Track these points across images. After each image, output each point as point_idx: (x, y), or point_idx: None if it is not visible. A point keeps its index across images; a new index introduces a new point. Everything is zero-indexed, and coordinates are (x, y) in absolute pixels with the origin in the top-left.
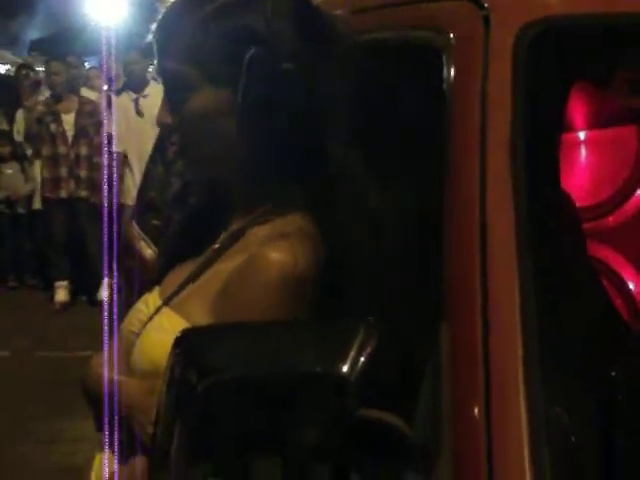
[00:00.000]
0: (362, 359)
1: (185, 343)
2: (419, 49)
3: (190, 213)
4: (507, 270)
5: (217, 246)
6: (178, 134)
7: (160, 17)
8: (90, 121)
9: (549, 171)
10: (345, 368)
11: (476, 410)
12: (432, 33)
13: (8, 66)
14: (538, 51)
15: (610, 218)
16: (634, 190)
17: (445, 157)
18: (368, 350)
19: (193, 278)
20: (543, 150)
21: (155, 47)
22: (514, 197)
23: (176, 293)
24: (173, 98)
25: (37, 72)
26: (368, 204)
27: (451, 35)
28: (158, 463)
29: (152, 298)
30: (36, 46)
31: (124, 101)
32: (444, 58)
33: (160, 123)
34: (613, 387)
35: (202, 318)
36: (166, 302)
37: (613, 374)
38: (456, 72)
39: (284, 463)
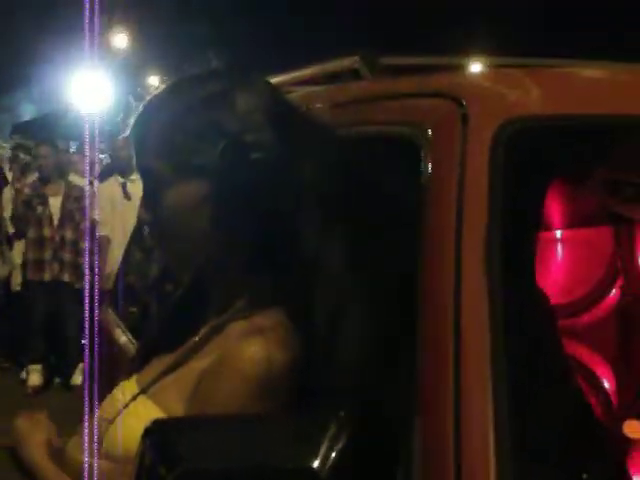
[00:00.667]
0: (333, 454)
1: (155, 433)
2: (398, 144)
3: (171, 302)
4: (480, 367)
5: (196, 339)
6: (154, 229)
7: (135, 115)
8: (77, 206)
9: (525, 268)
10: (316, 463)
11: None
12: (411, 129)
13: None
14: (515, 149)
15: (585, 316)
16: (609, 290)
17: (420, 253)
18: (340, 445)
19: (171, 369)
20: (519, 248)
21: (132, 145)
22: (489, 295)
23: (153, 382)
24: (150, 194)
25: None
26: (342, 297)
27: (429, 131)
28: None
29: (129, 385)
30: (18, 130)
31: (111, 185)
32: (422, 154)
33: (140, 219)
34: None
35: (177, 410)
36: (143, 390)
37: (585, 477)
38: (434, 168)
39: None
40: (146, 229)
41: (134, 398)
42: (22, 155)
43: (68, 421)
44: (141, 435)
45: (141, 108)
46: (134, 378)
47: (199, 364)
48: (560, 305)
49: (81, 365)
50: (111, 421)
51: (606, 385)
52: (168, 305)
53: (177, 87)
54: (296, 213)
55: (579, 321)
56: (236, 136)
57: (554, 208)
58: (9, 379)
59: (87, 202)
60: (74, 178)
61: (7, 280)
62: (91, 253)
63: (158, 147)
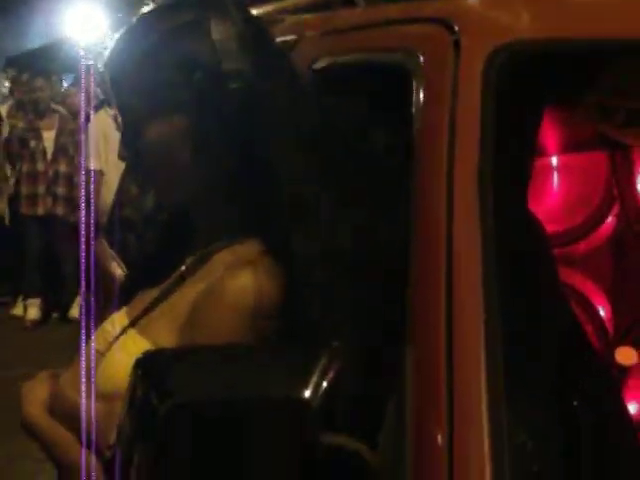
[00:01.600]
0: (325, 384)
1: (146, 364)
2: (389, 71)
3: (158, 235)
4: (472, 295)
5: (183, 269)
6: (136, 164)
7: (110, 49)
8: (71, 139)
9: (517, 196)
10: (307, 393)
11: (439, 437)
12: (402, 56)
13: None
14: (508, 75)
15: (581, 244)
16: (605, 217)
17: (412, 180)
18: (331, 375)
19: (160, 301)
20: (511, 175)
21: (108, 79)
22: (481, 221)
23: (142, 315)
24: (129, 130)
25: (8, 88)
26: (328, 229)
27: (421, 58)
28: None
29: (119, 318)
30: (12, 62)
31: (102, 117)
32: (414, 81)
33: (121, 154)
34: (576, 416)
35: (167, 342)
36: (132, 323)
37: (575, 403)
38: (425, 95)
39: None
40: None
41: (124, 332)
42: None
43: (67, 355)
44: (132, 366)
45: (114, 42)
46: (123, 310)
47: (187, 295)
48: (556, 233)
49: (79, 298)
50: (102, 353)
51: (601, 313)
52: (155, 238)
53: (149, 18)
54: (274, 142)
55: (575, 249)
56: (212, 66)
57: (548, 134)
58: (7, 314)
59: (82, 135)
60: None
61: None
62: (87, 187)
63: (134, 83)
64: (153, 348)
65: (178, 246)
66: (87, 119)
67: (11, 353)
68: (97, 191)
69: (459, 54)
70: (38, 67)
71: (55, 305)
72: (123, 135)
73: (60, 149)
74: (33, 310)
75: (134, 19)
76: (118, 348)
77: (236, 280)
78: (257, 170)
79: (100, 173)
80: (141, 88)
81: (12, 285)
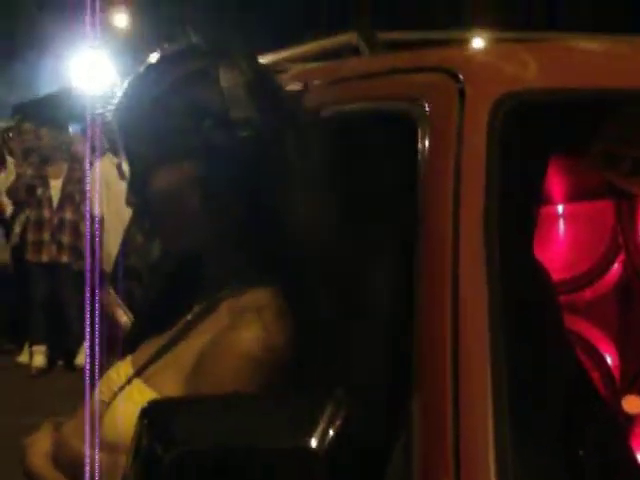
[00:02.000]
0: (331, 432)
1: (152, 414)
2: (395, 120)
3: (164, 284)
4: (478, 342)
5: (189, 318)
6: (144, 212)
7: (118, 97)
8: (78, 187)
9: (523, 244)
10: (314, 442)
11: None
12: (408, 104)
13: None
14: (513, 124)
15: (587, 292)
16: (611, 264)
17: (419, 228)
18: (337, 423)
19: (165, 350)
20: (517, 223)
21: (116, 127)
22: (487, 269)
23: (148, 364)
24: (137, 178)
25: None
26: (337, 279)
27: (426, 106)
28: None
29: (124, 367)
30: (19, 110)
31: (106, 165)
32: (419, 129)
33: (128, 202)
34: (582, 464)
35: (173, 392)
36: (138, 373)
37: (581, 452)
38: (431, 143)
39: None
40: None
41: (129, 382)
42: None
43: (72, 402)
44: (137, 415)
45: (122, 90)
46: (129, 359)
47: (194, 344)
48: (562, 280)
49: (84, 346)
50: (107, 402)
51: (608, 360)
52: (161, 286)
53: (158, 66)
54: (283, 189)
55: (581, 297)
56: (221, 114)
57: (554, 183)
58: (13, 362)
59: (87, 184)
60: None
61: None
62: (91, 235)
63: (142, 131)
64: (158, 398)
65: (184, 294)
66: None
67: (17, 401)
68: (100, 239)
69: (464, 103)
70: (44, 115)
71: (61, 352)
72: (131, 183)
73: (66, 197)
74: (39, 357)
75: (143, 66)
76: (123, 398)
77: (242, 330)
78: (264, 217)
79: (101, 220)
80: (150, 135)
81: (18, 333)
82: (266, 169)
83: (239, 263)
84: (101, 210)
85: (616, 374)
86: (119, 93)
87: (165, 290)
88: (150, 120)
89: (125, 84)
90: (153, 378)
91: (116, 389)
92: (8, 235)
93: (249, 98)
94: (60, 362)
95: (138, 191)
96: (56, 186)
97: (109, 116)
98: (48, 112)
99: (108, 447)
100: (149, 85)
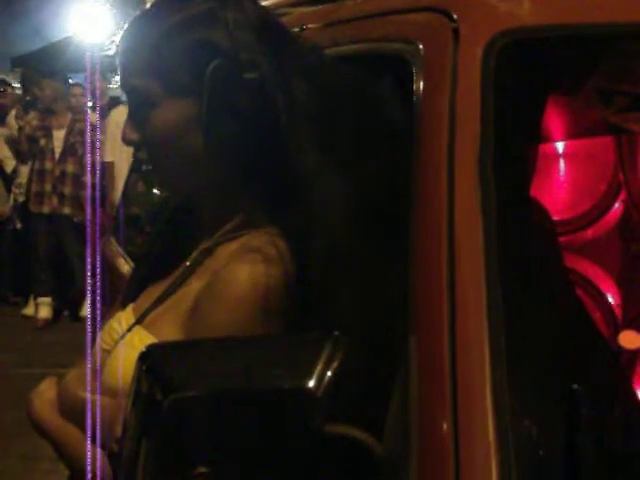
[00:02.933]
0: (329, 373)
1: (150, 358)
2: (389, 61)
3: (164, 231)
4: (475, 284)
5: (188, 264)
6: (145, 150)
7: (122, 33)
8: (80, 139)
9: (519, 183)
10: (312, 383)
11: (444, 425)
12: (402, 44)
13: None
14: (507, 62)
15: (589, 231)
16: (612, 203)
17: (413, 169)
18: (335, 364)
19: (165, 296)
20: (513, 161)
21: (118, 63)
22: (483, 210)
23: (148, 311)
24: (137, 114)
25: (15, 88)
26: (336, 217)
27: (420, 46)
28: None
29: (125, 316)
30: (17, 63)
31: (121, 112)
32: (414, 69)
33: (126, 140)
34: (576, 401)
35: (172, 337)
36: (139, 320)
37: (575, 387)
38: (425, 83)
39: (249, 478)
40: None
41: (130, 329)
42: (8, 89)
43: (78, 353)
44: (137, 359)
45: (127, 26)
46: (130, 307)
47: (192, 288)
48: (564, 220)
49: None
50: (109, 351)
51: (610, 300)
52: (160, 233)
53: (165, 4)
54: (287, 132)
55: (583, 236)
56: (230, 54)
57: (553, 120)
58: (19, 313)
59: (89, 134)
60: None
61: (9, 217)
62: (93, 186)
63: (145, 64)
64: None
65: (184, 241)
66: (102, 115)
67: (23, 353)
68: (110, 182)
69: (458, 42)
70: (44, 67)
71: (66, 304)
72: (131, 118)
73: (69, 148)
74: (44, 309)
75: (150, 4)
76: (124, 344)
77: (239, 268)
78: (269, 159)
79: (112, 165)
80: (154, 70)
81: (23, 285)
82: (272, 111)
83: (240, 206)
84: (112, 155)
85: (618, 313)
86: (123, 30)
87: (165, 237)
88: (155, 55)
89: (130, 21)
90: (153, 324)
91: (117, 337)
92: (9, 189)
93: (256, 40)
94: (65, 313)
95: (138, 127)
96: (59, 137)
97: (113, 54)
98: (48, 63)
99: (110, 392)
100: (157, 21)
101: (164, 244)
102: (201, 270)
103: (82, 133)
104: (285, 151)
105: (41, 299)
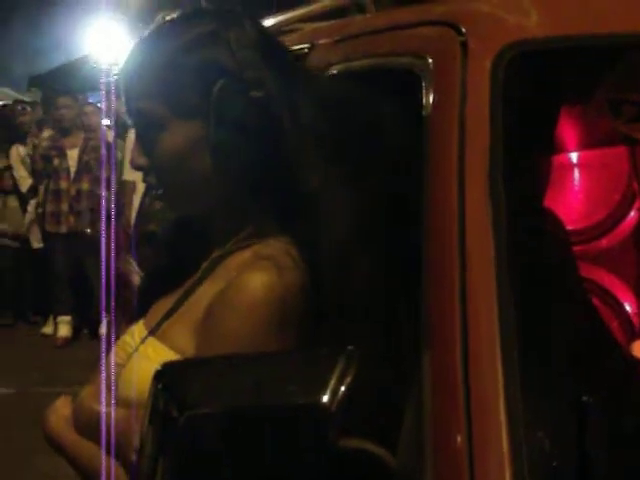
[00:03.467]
0: (342, 388)
1: (166, 376)
2: (399, 75)
3: (171, 244)
4: (487, 297)
5: (199, 274)
6: (154, 174)
7: (125, 57)
8: (94, 156)
9: (530, 194)
10: (326, 398)
11: (458, 438)
12: (411, 59)
13: (9, 102)
14: (516, 74)
15: (604, 240)
16: (627, 212)
17: (424, 182)
18: (348, 379)
19: (176, 307)
20: (523, 173)
21: (122, 86)
22: (493, 221)
23: (161, 322)
24: (144, 138)
25: (34, 107)
26: (345, 229)
27: (430, 60)
28: None
29: (137, 329)
30: (34, 82)
31: (131, 136)
32: (423, 83)
33: (135, 165)
34: (587, 412)
35: (186, 344)
36: (151, 332)
37: (585, 399)
38: (435, 97)
39: None
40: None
41: (143, 341)
42: (28, 108)
43: (97, 370)
44: (152, 378)
45: (131, 49)
46: (142, 321)
47: (204, 297)
48: (578, 230)
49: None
50: (123, 365)
51: (627, 308)
52: (169, 249)
53: (168, 27)
54: (293, 148)
55: (598, 246)
56: (235, 74)
57: (566, 131)
58: (39, 332)
59: (104, 151)
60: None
61: (26, 237)
62: (108, 201)
63: (150, 87)
64: (173, 353)
65: (193, 254)
66: (117, 134)
67: (44, 371)
68: (129, 202)
69: (467, 55)
70: (60, 86)
71: (85, 322)
72: (139, 144)
73: (84, 167)
74: (64, 328)
75: (153, 28)
76: (139, 357)
77: (254, 274)
78: (274, 175)
79: (132, 184)
80: (160, 94)
81: (42, 304)
82: (278, 127)
83: (249, 218)
84: (133, 174)
85: (636, 322)
86: (127, 53)
87: (173, 250)
88: (161, 78)
89: (134, 45)
90: (166, 334)
91: (131, 350)
92: (25, 208)
93: (260, 59)
94: (85, 332)
95: (147, 152)
96: (73, 156)
97: (117, 76)
98: (64, 82)
99: (125, 403)
100: (160, 45)
101: (173, 257)
102: (212, 279)
103: (95, 150)
104: (291, 166)
105: (61, 318)
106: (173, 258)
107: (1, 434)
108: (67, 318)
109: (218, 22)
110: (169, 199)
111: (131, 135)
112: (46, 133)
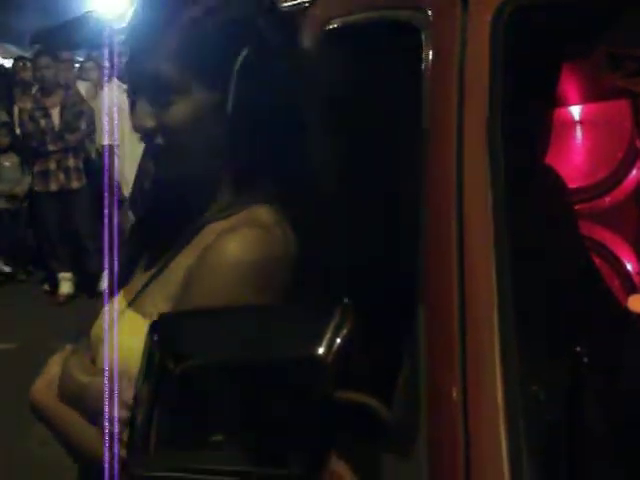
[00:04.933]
0: (338, 340)
1: (161, 328)
2: (399, 28)
3: (149, 215)
4: (484, 251)
5: (177, 244)
6: (161, 137)
7: (138, 14)
8: (74, 111)
9: (528, 148)
10: (321, 350)
11: (453, 391)
12: (412, 12)
13: (12, 60)
14: (516, 27)
15: (606, 199)
16: (629, 170)
17: (423, 135)
18: (344, 331)
19: (155, 277)
20: (523, 129)
21: (132, 46)
22: (492, 175)
23: (139, 294)
24: (155, 101)
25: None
26: (340, 185)
27: (430, 13)
28: (137, 448)
29: (118, 301)
30: (38, 39)
31: (114, 92)
32: (423, 37)
33: (140, 128)
34: (579, 363)
35: (163, 310)
36: (129, 304)
37: (578, 350)
38: (434, 50)
39: (261, 445)
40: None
41: (121, 314)
42: (28, 64)
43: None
44: (147, 331)
45: (145, 5)
46: (122, 292)
47: (181, 265)
48: (580, 189)
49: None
50: (102, 338)
51: (628, 267)
52: (150, 216)
53: None
54: (306, 122)
55: (600, 204)
56: (262, 42)
57: (568, 85)
58: (40, 290)
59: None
60: (81, 85)
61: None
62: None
63: (170, 48)
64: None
65: (176, 222)
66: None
67: (46, 329)
68: (109, 165)
69: (467, 9)
70: (63, 42)
71: (85, 279)
72: (148, 105)
73: (66, 125)
74: (65, 285)
75: None
76: (116, 330)
77: (230, 237)
78: (281, 151)
79: (111, 148)
80: (179, 55)
81: (44, 262)
82: (294, 101)
83: (234, 189)
84: (110, 138)
85: (636, 280)
86: (139, 10)
87: (150, 221)
88: (184, 39)
89: (140, 5)
90: (142, 305)
91: (109, 324)
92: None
93: (280, 28)
94: (84, 288)
95: (156, 113)
96: (56, 114)
97: (126, 34)
98: (67, 38)
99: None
100: (186, 2)
101: (153, 228)
102: (191, 247)
103: (75, 105)
104: (305, 144)
105: (62, 274)
106: (154, 229)
107: (2, 389)
108: (68, 275)
109: None
110: (169, 159)
111: (106, 96)
112: (29, 95)
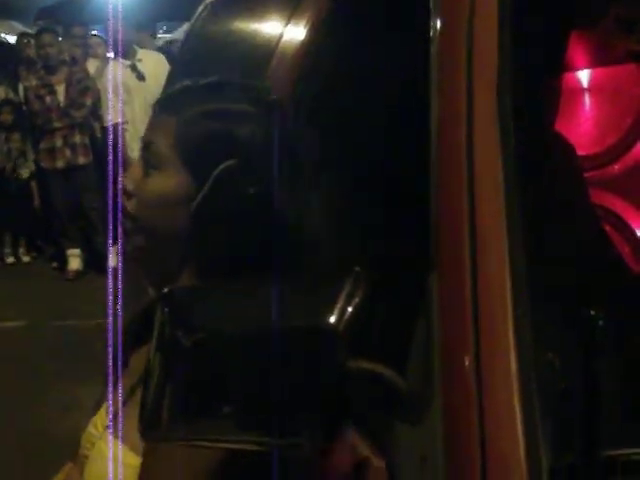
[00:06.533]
0: (350, 309)
1: (171, 300)
2: None
3: None
4: (495, 219)
5: None
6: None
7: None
8: (80, 87)
9: (538, 112)
10: (333, 319)
11: (466, 359)
12: None
13: (16, 36)
14: None
15: (616, 166)
16: (638, 137)
17: (433, 100)
18: (356, 300)
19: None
20: (531, 91)
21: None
22: (502, 139)
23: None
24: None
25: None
26: (349, 151)
27: None
28: (150, 422)
29: (100, 419)
30: (42, 15)
31: (118, 70)
32: (430, 1)
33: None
34: (592, 327)
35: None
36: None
37: (592, 313)
38: (443, 13)
39: (275, 416)
40: None
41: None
42: (32, 41)
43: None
44: (158, 303)
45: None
46: (103, 409)
47: None
48: (590, 156)
49: (116, 247)
50: (87, 456)
51: (639, 233)
52: None
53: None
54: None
55: (610, 171)
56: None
57: (576, 50)
58: (50, 267)
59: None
60: (89, 62)
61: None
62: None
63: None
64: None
65: None
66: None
67: (56, 304)
68: (114, 144)
69: None
70: (68, 18)
71: (93, 255)
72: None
73: (72, 100)
74: (75, 261)
75: None
76: (96, 451)
77: None
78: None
79: (116, 126)
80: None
81: (53, 239)
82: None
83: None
84: (116, 116)
85: None
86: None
87: None
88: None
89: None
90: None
91: (95, 441)
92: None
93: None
94: (93, 265)
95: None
96: (61, 92)
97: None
98: (71, 14)
99: None
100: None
101: None
102: None
103: (81, 82)
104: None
105: (71, 251)
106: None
107: (13, 367)
108: (77, 251)
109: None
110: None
111: (108, 74)
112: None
